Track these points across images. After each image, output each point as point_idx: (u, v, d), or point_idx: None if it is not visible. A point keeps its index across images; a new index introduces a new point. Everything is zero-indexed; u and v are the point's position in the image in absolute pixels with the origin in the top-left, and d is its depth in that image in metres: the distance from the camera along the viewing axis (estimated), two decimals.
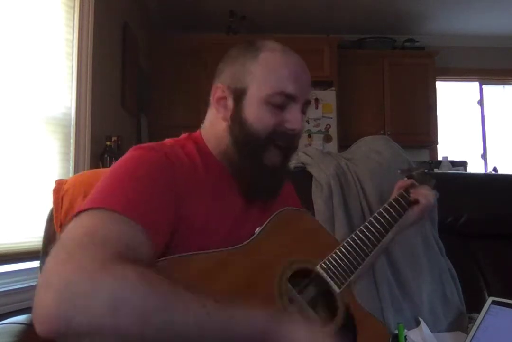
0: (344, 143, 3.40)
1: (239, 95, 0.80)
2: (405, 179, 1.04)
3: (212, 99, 0.84)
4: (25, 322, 0.90)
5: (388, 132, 3.91)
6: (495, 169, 3.36)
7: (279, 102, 0.78)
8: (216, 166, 0.82)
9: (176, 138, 0.84)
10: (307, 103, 0.83)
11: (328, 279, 0.77)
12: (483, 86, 4.55)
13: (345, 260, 0.80)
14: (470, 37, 4.31)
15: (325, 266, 0.78)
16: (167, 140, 0.82)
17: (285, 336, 0.58)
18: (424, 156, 4.22)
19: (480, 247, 1.47)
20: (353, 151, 1.53)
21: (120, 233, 0.59)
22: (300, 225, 0.83)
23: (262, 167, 0.80)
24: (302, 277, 0.76)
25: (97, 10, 2.18)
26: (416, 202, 0.97)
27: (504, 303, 1.01)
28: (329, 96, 3.66)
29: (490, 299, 1.03)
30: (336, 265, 0.78)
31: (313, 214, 1.35)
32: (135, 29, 3.12)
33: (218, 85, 0.82)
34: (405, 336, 1.07)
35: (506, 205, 1.49)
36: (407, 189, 0.99)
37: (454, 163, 3.32)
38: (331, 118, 3.64)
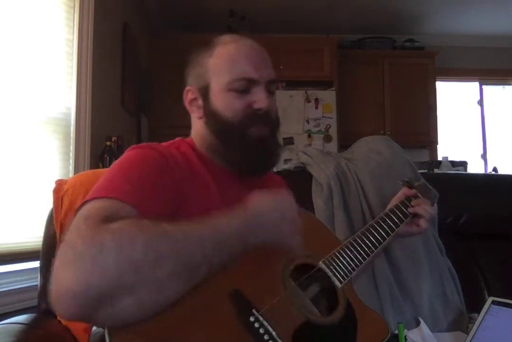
0: (344, 143, 3.39)
1: (205, 92, 0.86)
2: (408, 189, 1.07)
3: (185, 103, 0.90)
4: (25, 322, 0.90)
5: (388, 132, 3.91)
6: (495, 169, 3.36)
7: (240, 87, 0.82)
8: (212, 164, 0.86)
9: (170, 141, 0.89)
10: (271, 82, 0.86)
11: (330, 274, 0.80)
12: (483, 86, 4.55)
13: (347, 258, 0.83)
14: (470, 37, 4.31)
15: (327, 262, 0.81)
16: (163, 143, 0.86)
17: (255, 217, 0.67)
18: (424, 156, 4.22)
19: (480, 247, 1.47)
20: (353, 151, 1.53)
21: (108, 205, 0.62)
22: (304, 223, 0.85)
23: (249, 141, 0.83)
24: (304, 272, 0.78)
25: (97, 10, 2.18)
26: (415, 213, 1.00)
27: (504, 303, 1.01)
28: (329, 96, 3.66)
29: (490, 299, 1.03)
30: (338, 262, 0.82)
31: (313, 214, 1.35)
32: (135, 29, 3.12)
33: (187, 88, 0.90)
34: (405, 336, 1.07)
35: (506, 205, 1.49)
36: (408, 198, 1.03)
37: (454, 164, 3.32)
38: (331, 118, 3.64)
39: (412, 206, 1.01)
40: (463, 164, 3.38)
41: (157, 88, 3.59)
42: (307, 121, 3.61)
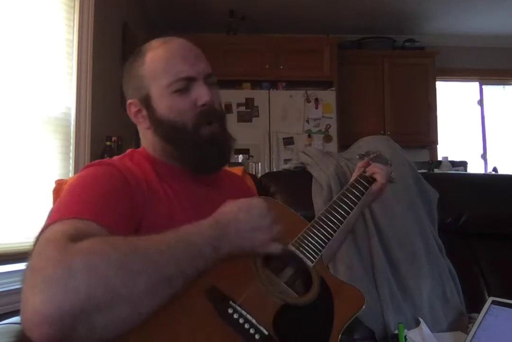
0: (344, 143, 3.40)
1: (146, 101, 0.84)
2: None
3: (130, 116, 0.89)
4: None
5: (388, 132, 3.91)
6: (495, 169, 3.36)
7: (180, 87, 0.82)
8: (166, 168, 0.86)
9: (122, 154, 0.88)
10: (209, 76, 0.86)
11: (301, 255, 0.81)
12: (483, 86, 4.55)
13: (314, 237, 0.85)
14: (470, 37, 4.32)
15: (296, 244, 0.82)
16: (114, 157, 0.87)
17: (227, 225, 0.69)
18: (424, 156, 4.22)
19: (480, 247, 1.47)
20: (353, 151, 1.53)
21: (69, 225, 0.61)
22: (274, 211, 0.87)
23: (202, 140, 0.84)
24: (276, 258, 0.79)
25: (97, 10, 2.18)
26: (373, 179, 1.03)
27: (504, 303, 1.01)
28: (329, 96, 3.66)
29: (490, 299, 1.04)
30: (307, 242, 0.83)
31: (313, 214, 1.35)
32: (135, 29, 3.12)
33: (129, 102, 0.88)
34: (405, 336, 1.07)
35: (506, 205, 1.49)
36: (364, 169, 1.06)
37: (454, 164, 3.32)
38: (331, 118, 3.64)
39: (366, 173, 1.03)
40: (463, 164, 3.38)
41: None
42: (307, 121, 3.61)
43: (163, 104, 0.83)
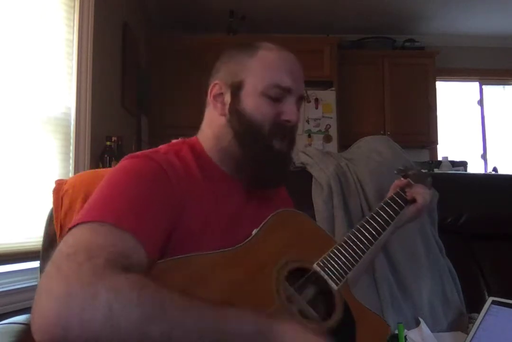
0: (344, 143, 3.40)
1: (236, 89, 0.82)
2: (401, 178, 1.05)
3: (209, 96, 0.86)
4: (25, 322, 0.90)
5: (388, 132, 3.91)
6: (495, 169, 3.36)
7: (275, 95, 0.81)
8: (213, 169, 0.83)
9: (170, 144, 0.85)
10: (301, 98, 0.85)
11: (326, 277, 0.77)
12: (483, 86, 4.55)
13: (342, 258, 0.80)
14: (470, 37, 4.31)
15: (322, 264, 0.78)
16: (162, 147, 0.82)
17: (276, 337, 0.58)
18: (424, 156, 4.22)
19: (480, 247, 1.47)
20: (353, 151, 1.53)
21: (108, 241, 0.59)
22: (297, 225, 0.84)
23: (270, 151, 0.81)
24: (300, 276, 0.76)
25: (97, 10, 2.18)
26: (413, 200, 0.99)
27: (504, 303, 1.01)
28: (329, 96, 3.66)
29: (490, 299, 1.03)
30: (333, 263, 0.79)
31: (313, 214, 1.35)
32: (135, 29, 3.12)
33: (216, 82, 0.85)
34: (405, 336, 1.07)
35: (506, 205, 1.49)
36: (403, 188, 1.01)
37: (454, 163, 3.32)
38: (331, 118, 3.64)
39: (407, 194, 0.99)
40: (463, 164, 3.38)
41: (157, 88, 3.60)
42: (307, 121, 3.61)
43: (251, 102, 0.81)
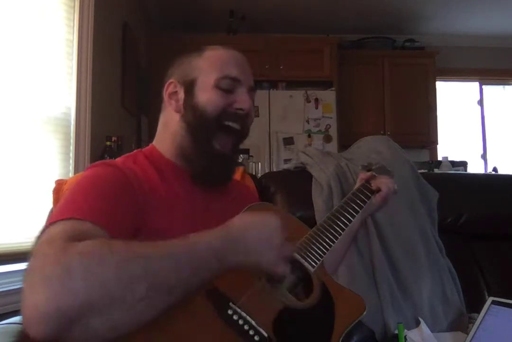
0: (344, 143, 3.40)
1: (189, 86, 0.88)
2: (365, 172, 1.12)
3: (165, 95, 0.92)
4: None
5: (388, 132, 3.91)
6: (495, 169, 3.37)
7: (226, 86, 0.86)
8: (171, 169, 0.87)
9: (127, 155, 0.90)
10: (252, 89, 0.91)
11: (302, 260, 0.82)
12: (483, 86, 4.55)
13: (316, 243, 0.86)
14: (470, 37, 4.32)
15: (297, 249, 0.83)
16: (119, 158, 0.87)
17: (238, 239, 0.66)
18: (424, 156, 4.22)
19: (480, 247, 1.47)
20: (353, 151, 1.53)
21: (66, 227, 0.61)
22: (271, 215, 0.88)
23: (213, 152, 0.86)
24: None
25: (97, 10, 2.18)
26: (378, 190, 1.04)
27: (504, 303, 1.01)
28: (329, 96, 3.66)
29: (490, 299, 1.03)
30: (308, 248, 0.84)
31: (313, 214, 1.35)
32: (135, 29, 3.12)
33: (170, 81, 0.91)
34: (405, 336, 1.07)
35: (506, 205, 1.49)
36: (368, 180, 1.07)
37: (454, 163, 3.33)
38: (331, 118, 3.64)
39: (372, 185, 1.05)
40: (463, 164, 3.38)
41: (157, 88, 3.59)
42: (307, 121, 3.61)
43: (205, 96, 0.86)
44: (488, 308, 1.02)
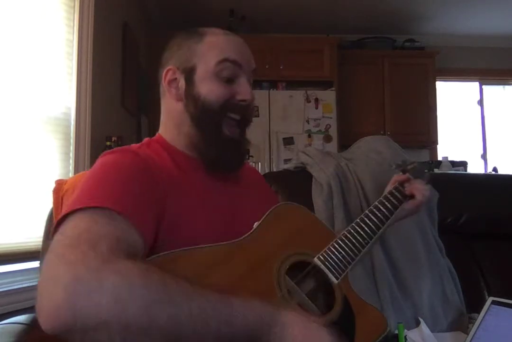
0: (344, 143, 3.40)
1: (189, 73, 0.85)
2: (400, 173, 1.06)
3: (164, 83, 0.89)
4: (25, 322, 0.90)
5: (388, 132, 3.91)
6: (495, 169, 3.36)
7: (226, 74, 0.83)
8: (183, 158, 0.85)
9: (140, 143, 0.87)
10: (252, 72, 0.88)
11: (326, 270, 0.78)
12: (483, 86, 4.55)
13: (342, 252, 0.81)
14: (470, 37, 4.31)
15: (322, 258, 0.79)
16: (133, 145, 0.85)
17: (280, 326, 0.58)
18: (424, 156, 4.22)
19: (480, 247, 1.47)
20: (353, 151, 1.53)
21: (105, 227, 0.60)
22: (298, 219, 0.85)
23: (222, 138, 0.83)
24: (301, 269, 0.77)
25: (97, 10, 2.18)
26: (411, 196, 0.99)
27: (504, 303, 1.01)
28: (329, 96, 3.66)
29: (490, 299, 1.03)
30: (333, 257, 0.80)
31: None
32: (135, 29, 3.12)
33: (168, 68, 0.88)
34: (405, 336, 1.07)
35: (506, 205, 1.49)
36: (402, 183, 1.02)
37: (454, 163, 3.32)
38: (331, 118, 3.64)
39: (406, 189, 1.00)
40: (463, 164, 3.38)
41: (157, 88, 3.59)
42: (307, 121, 3.61)
43: (205, 85, 0.83)
44: (488, 308, 1.01)
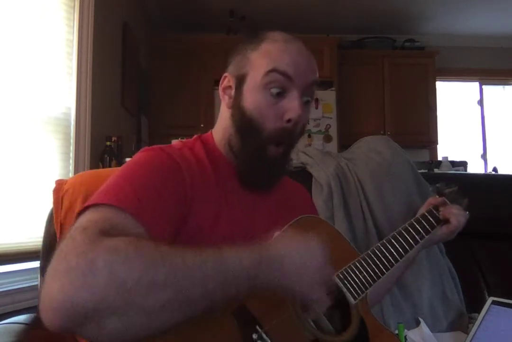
0: (344, 143, 3.40)
1: (239, 82, 0.80)
2: (436, 196, 1.02)
3: (220, 89, 0.85)
4: (25, 322, 0.90)
5: (388, 132, 3.91)
6: (495, 169, 3.36)
7: (275, 85, 0.76)
8: (225, 165, 0.82)
9: (185, 140, 0.85)
10: (308, 87, 0.80)
11: (344, 290, 0.75)
12: (483, 86, 4.55)
13: (363, 272, 0.78)
14: (470, 37, 4.31)
15: (342, 276, 0.76)
16: (177, 143, 0.82)
17: (275, 261, 0.60)
18: (424, 156, 4.22)
19: (480, 247, 1.47)
20: (353, 151, 1.53)
21: (104, 216, 0.59)
22: (320, 233, 0.82)
23: (262, 156, 0.79)
24: None
25: (97, 10, 2.18)
26: (446, 221, 0.96)
27: (504, 303, 1.01)
28: (329, 96, 3.66)
29: (490, 299, 1.03)
30: (354, 276, 0.76)
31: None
32: (135, 29, 3.12)
33: (225, 74, 0.84)
34: (405, 336, 1.07)
35: (506, 205, 1.49)
36: (437, 207, 0.98)
37: (454, 164, 3.32)
38: (331, 118, 3.64)
39: (440, 213, 0.96)
40: (463, 164, 3.38)
41: (157, 88, 3.59)
42: (307, 121, 3.60)
43: (253, 96, 0.78)
44: (488, 308, 1.01)
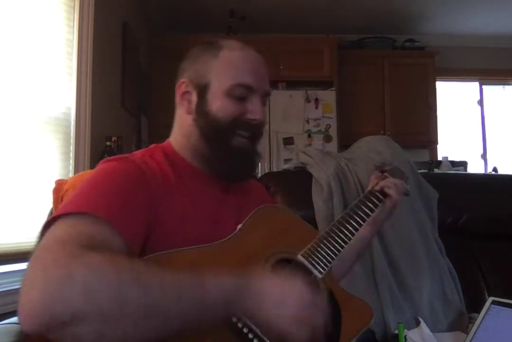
0: (344, 143, 3.40)
1: (202, 90, 0.85)
2: (379, 173, 1.07)
3: (177, 95, 0.89)
4: None
5: (388, 132, 3.91)
6: (495, 169, 3.37)
7: (239, 94, 0.84)
8: (186, 168, 0.86)
9: (144, 149, 0.88)
10: (266, 95, 0.89)
11: (310, 266, 0.80)
12: (483, 86, 4.55)
13: (324, 248, 0.83)
14: (470, 37, 4.31)
15: (306, 255, 0.81)
16: (136, 152, 0.85)
17: (256, 291, 0.61)
18: (424, 156, 4.22)
19: (480, 247, 1.47)
20: (353, 151, 1.53)
21: (81, 229, 0.61)
22: (280, 219, 0.88)
23: (230, 149, 0.85)
24: (286, 266, 0.79)
25: (97, 10, 2.18)
26: (386, 195, 0.99)
27: (504, 303, 1.01)
28: (329, 96, 3.66)
29: (490, 299, 1.04)
30: (316, 253, 0.82)
31: (313, 214, 1.35)
32: (135, 29, 3.12)
33: (182, 80, 0.87)
34: (405, 336, 1.07)
35: (506, 205, 1.49)
36: (377, 182, 1.02)
37: (454, 163, 3.33)
38: (331, 118, 3.64)
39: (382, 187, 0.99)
40: (463, 164, 3.38)
41: (157, 88, 3.59)
42: (307, 121, 3.61)
43: (217, 103, 0.84)
44: (488, 308, 1.02)
